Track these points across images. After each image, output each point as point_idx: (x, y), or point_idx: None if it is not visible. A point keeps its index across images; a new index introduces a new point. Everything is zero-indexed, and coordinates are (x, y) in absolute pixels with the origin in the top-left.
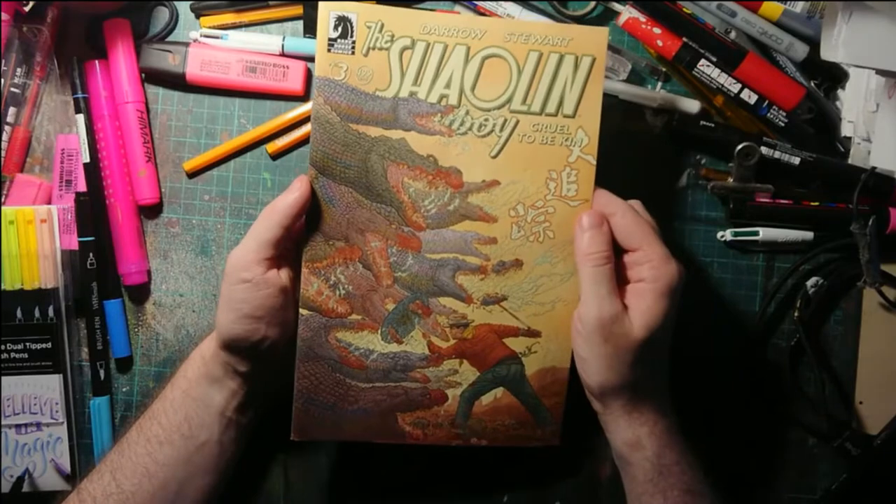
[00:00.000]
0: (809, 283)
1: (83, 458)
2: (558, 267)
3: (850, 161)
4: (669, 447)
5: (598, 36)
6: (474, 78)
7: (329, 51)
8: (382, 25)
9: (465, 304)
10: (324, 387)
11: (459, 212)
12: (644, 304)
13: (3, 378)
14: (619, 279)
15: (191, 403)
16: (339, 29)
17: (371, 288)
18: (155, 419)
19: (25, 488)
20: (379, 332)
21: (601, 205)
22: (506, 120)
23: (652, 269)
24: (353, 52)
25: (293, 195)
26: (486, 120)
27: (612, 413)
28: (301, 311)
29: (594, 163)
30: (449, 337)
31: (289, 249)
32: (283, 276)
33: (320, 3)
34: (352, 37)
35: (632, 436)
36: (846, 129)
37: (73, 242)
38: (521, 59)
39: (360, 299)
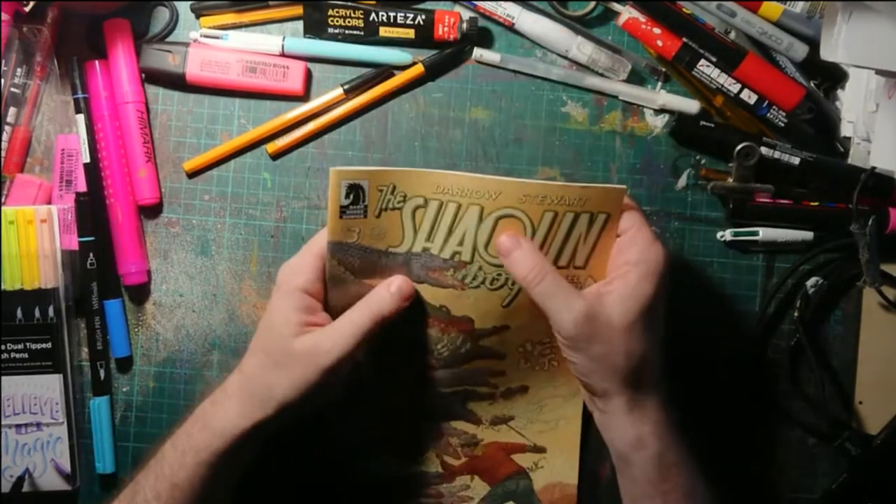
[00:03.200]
0: (809, 283)
1: (83, 458)
2: (561, 389)
3: (850, 161)
4: (671, 446)
5: (615, 195)
6: (487, 236)
7: (342, 217)
8: (395, 187)
9: (474, 425)
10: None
11: (471, 353)
12: (626, 288)
13: (3, 378)
14: (609, 267)
15: (215, 470)
16: (351, 196)
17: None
18: (175, 487)
19: (25, 488)
20: (397, 457)
21: None
22: None
23: (638, 252)
24: (365, 216)
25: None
26: (499, 275)
27: (614, 412)
28: None
29: None
30: (461, 455)
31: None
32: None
33: (331, 171)
34: (364, 201)
35: (634, 434)
36: (846, 129)
37: (73, 242)
38: (536, 219)
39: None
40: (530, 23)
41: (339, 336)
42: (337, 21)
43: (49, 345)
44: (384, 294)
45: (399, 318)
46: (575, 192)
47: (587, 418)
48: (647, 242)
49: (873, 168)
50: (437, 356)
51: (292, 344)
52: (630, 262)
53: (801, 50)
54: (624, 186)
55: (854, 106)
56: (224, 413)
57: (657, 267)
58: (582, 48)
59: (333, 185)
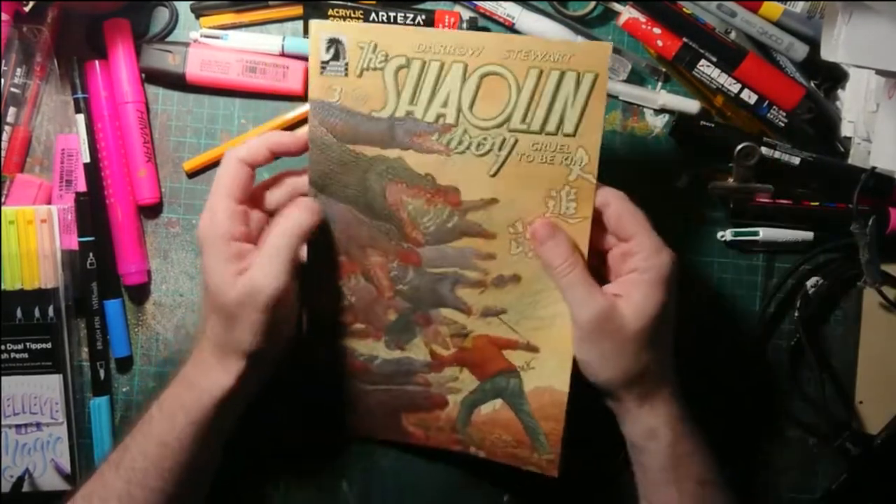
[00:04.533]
0: (809, 283)
1: (83, 458)
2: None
3: (850, 161)
4: (684, 436)
5: (600, 51)
6: (472, 96)
7: (322, 73)
8: (376, 46)
9: (464, 314)
10: (340, 383)
11: (458, 229)
12: (638, 295)
13: (3, 378)
14: (614, 271)
15: (204, 429)
16: (332, 51)
17: (373, 299)
18: (163, 445)
19: (25, 488)
20: (382, 340)
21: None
22: (504, 139)
23: (644, 259)
24: (346, 74)
25: (303, 223)
26: (485, 139)
27: (625, 406)
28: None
29: (594, 181)
30: (449, 345)
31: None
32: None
33: (311, 24)
34: (344, 58)
35: (646, 426)
36: (846, 129)
37: (73, 242)
38: (521, 77)
39: (362, 310)
40: (530, 23)
41: (268, 269)
42: (337, 21)
43: (49, 345)
44: (296, 212)
45: (379, 193)
46: (559, 47)
47: None
48: (652, 249)
49: (873, 168)
50: (423, 230)
51: (231, 296)
52: (638, 269)
53: (801, 50)
54: (609, 43)
55: (854, 106)
56: (207, 373)
57: (665, 274)
58: None
59: (313, 37)
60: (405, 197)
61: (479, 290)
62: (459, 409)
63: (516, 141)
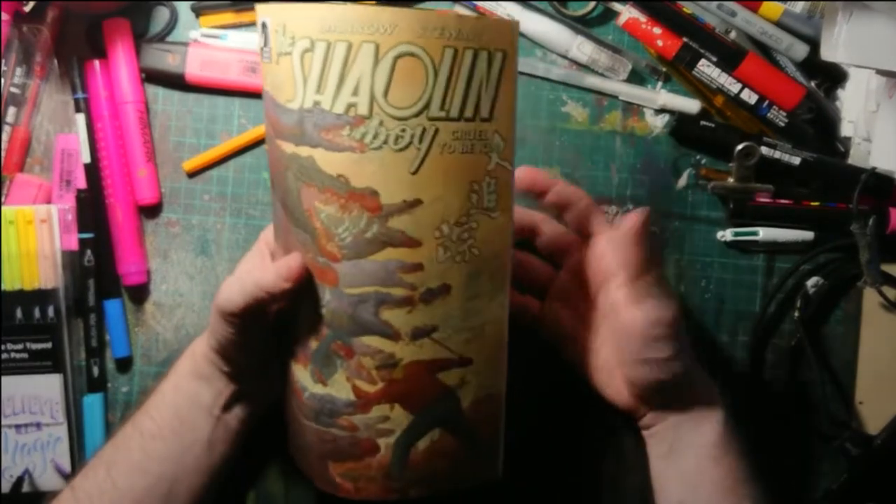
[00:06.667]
0: (809, 283)
1: (83, 458)
2: (485, 286)
3: (850, 161)
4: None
5: (506, 28)
6: (386, 81)
7: (262, 60)
8: (285, 27)
9: (392, 341)
10: (288, 408)
11: (379, 239)
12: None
13: (3, 378)
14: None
15: (180, 399)
16: (263, 36)
17: (299, 317)
18: (147, 413)
19: (25, 488)
20: (308, 369)
21: (527, 215)
22: (424, 129)
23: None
24: (270, 60)
25: (283, 285)
26: (403, 131)
27: (696, 388)
28: None
29: (511, 168)
30: (376, 380)
31: None
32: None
33: (256, 6)
34: (269, 43)
35: (709, 401)
36: (846, 129)
37: (73, 243)
38: (437, 58)
39: (295, 327)
40: (530, 23)
41: (227, 290)
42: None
43: (49, 345)
44: (270, 267)
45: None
46: (470, 23)
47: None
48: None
49: (873, 168)
50: (338, 242)
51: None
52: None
53: (801, 50)
54: (516, 20)
55: (854, 106)
56: (193, 343)
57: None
58: (582, 48)
59: (258, 22)
60: (317, 203)
61: (407, 310)
62: (393, 453)
63: (437, 130)
